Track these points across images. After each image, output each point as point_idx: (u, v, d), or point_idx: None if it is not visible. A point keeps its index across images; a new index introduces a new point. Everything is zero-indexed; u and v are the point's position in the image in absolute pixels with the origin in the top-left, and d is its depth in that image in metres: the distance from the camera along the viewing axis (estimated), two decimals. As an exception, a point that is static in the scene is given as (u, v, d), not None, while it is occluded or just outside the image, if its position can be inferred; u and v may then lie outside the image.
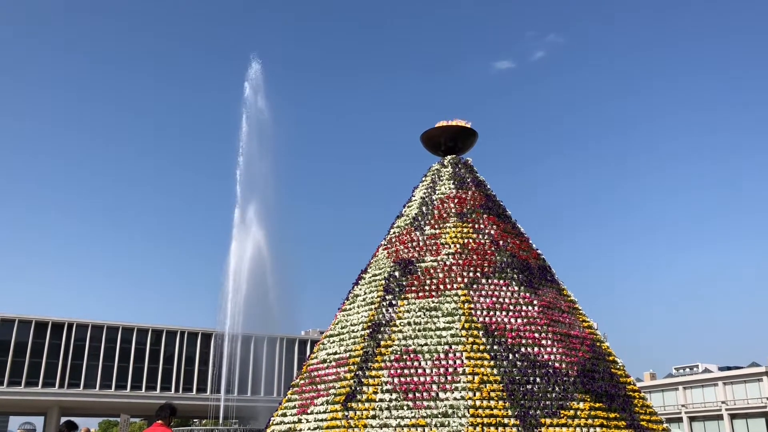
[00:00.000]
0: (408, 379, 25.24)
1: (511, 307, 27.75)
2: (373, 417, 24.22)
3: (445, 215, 32.21)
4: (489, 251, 30.23)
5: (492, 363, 25.25)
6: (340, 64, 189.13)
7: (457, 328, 26.44)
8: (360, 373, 26.25)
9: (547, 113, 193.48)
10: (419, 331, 26.80)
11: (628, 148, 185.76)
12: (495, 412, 23.62)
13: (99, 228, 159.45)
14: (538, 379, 25.08)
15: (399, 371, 25.54)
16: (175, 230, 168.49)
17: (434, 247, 30.55)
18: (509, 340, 26.27)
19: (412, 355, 25.93)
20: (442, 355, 25.62)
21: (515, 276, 29.25)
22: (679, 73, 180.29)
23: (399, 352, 26.22)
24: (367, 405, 24.83)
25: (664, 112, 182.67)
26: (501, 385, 24.56)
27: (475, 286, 28.42)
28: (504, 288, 28.58)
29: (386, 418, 24.02)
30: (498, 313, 27.39)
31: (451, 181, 34.15)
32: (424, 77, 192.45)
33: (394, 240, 32.63)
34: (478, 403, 23.86)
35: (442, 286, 28.49)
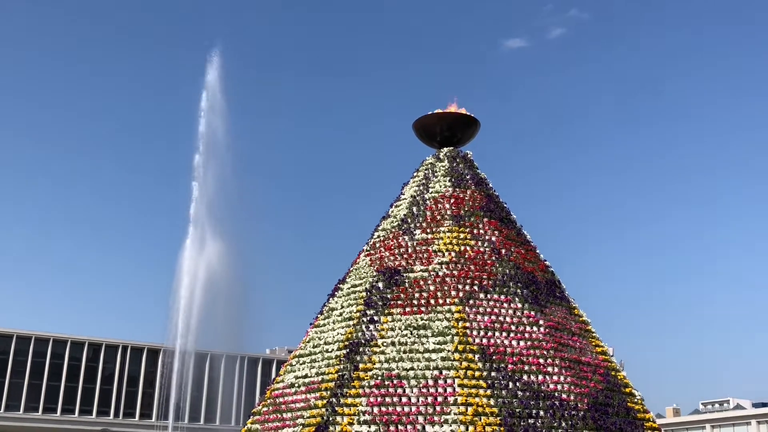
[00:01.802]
0: (390, 408, 25.30)
1: (513, 328, 27.92)
2: (348, 452, 24.24)
3: (438, 218, 32.33)
4: (489, 261, 30.39)
5: (489, 392, 25.37)
6: (317, 41, 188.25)
7: (449, 351, 26.53)
8: (334, 400, 26.25)
9: (565, 101, 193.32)
10: (405, 353, 26.86)
11: (663, 146, 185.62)
12: (490, 449, 23.74)
13: (27, 224, 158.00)
14: (542, 413, 25.24)
15: (379, 399, 25.59)
16: (119, 229, 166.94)
17: (425, 255, 30.65)
18: (510, 365, 26.42)
19: (395, 381, 25.99)
20: (430, 382, 25.70)
21: (519, 291, 29.43)
22: (731, 57, 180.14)
23: (380, 377, 26.27)
24: (340, 438, 24.83)
25: (713, 103, 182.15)
26: (498, 418, 24.69)
27: (471, 301, 28.55)
28: (505, 305, 28.75)
29: (363, 454, 24.03)
30: (497, 333, 27.52)
31: (447, 178, 34.30)
32: (418, 56, 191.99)
33: (378, 245, 32.72)
34: (471, 438, 23.95)
35: (432, 301, 28.59)
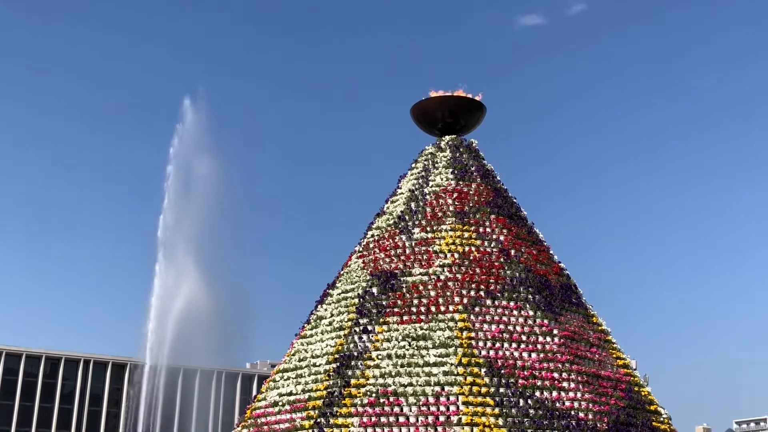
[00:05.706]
0: (385, 429, 25.31)
1: (524, 338, 27.93)
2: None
3: (440, 214, 32.30)
4: (497, 263, 30.39)
5: (497, 411, 25.36)
6: (309, 14, 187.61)
7: (451, 364, 26.51)
8: (322, 420, 26.24)
9: (585, 84, 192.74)
10: (402, 366, 26.83)
11: (697, 135, 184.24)
12: (499, 475, 23.83)
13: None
14: (556, 433, 25.31)
15: (374, 419, 25.58)
16: (83, 232, 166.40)
17: (425, 257, 30.62)
18: (520, 380, 26.44)
19: (391, 399, 25.95)
20: (431, 399, 25.68)
21: (530, 297, 29.44)
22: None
23: (375, 394, 26.25)
24: (330, 463, 24.92)
25: (749, 85, 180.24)
26: (507, 439, 24.71)
27: (477, 309, 28.55)
28: (515, 312, 28.75)
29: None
30: (506, 345, 27.52)
31: (450, 170, 34.28)
32: (424, 34, 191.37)
33: (372, 246, 32.71)
34: (476, 463, 24.06)
35: (433, 308, 28.55)
